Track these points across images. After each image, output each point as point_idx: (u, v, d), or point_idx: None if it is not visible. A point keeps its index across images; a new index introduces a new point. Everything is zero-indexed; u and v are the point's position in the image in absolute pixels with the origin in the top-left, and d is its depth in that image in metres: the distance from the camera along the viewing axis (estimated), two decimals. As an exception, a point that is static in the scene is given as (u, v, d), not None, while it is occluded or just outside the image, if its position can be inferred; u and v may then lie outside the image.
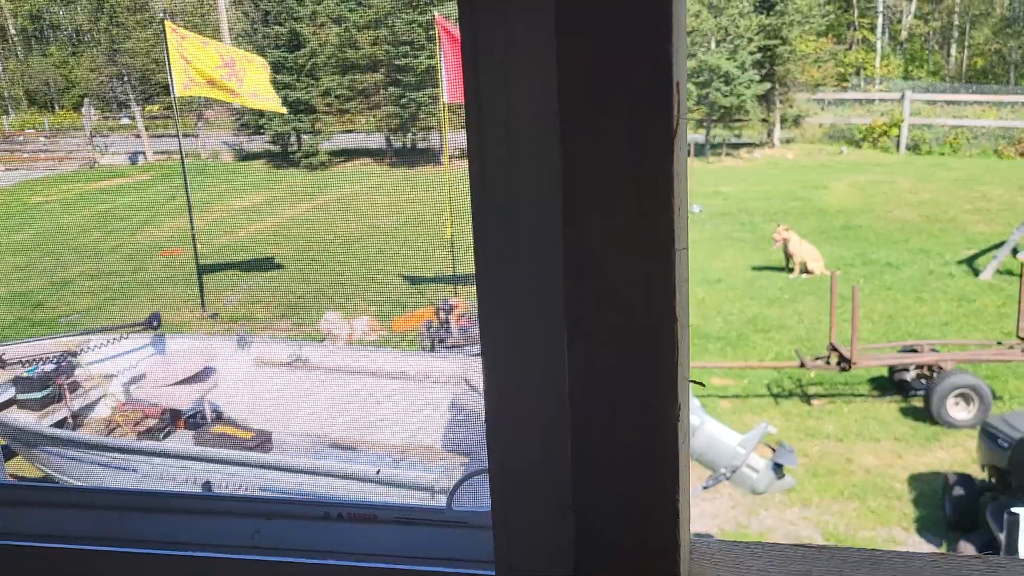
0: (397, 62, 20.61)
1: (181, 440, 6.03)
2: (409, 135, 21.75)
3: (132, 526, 0.94)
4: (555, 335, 0.68)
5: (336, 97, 21.50)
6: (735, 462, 5.70)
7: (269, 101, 10.67)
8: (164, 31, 10.13)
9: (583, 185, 0.63)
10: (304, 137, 21.38)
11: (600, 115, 0.62)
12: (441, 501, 0.92)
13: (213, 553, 0.90)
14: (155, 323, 6.76)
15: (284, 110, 11.47)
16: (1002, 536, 4.92)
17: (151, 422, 6.32)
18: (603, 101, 0.62)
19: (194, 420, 6.35)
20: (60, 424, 6.06)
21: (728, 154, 21.20)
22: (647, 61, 0.61)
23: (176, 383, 6.13)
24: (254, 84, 10.48)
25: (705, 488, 5.82)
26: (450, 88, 9.53)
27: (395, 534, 0.91)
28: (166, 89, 17.18)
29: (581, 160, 0.63)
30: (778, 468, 5.82)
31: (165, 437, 6.14)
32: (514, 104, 0.66)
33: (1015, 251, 11.51)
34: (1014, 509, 4.76)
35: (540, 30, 0.64)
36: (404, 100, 20.49)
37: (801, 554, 0.85)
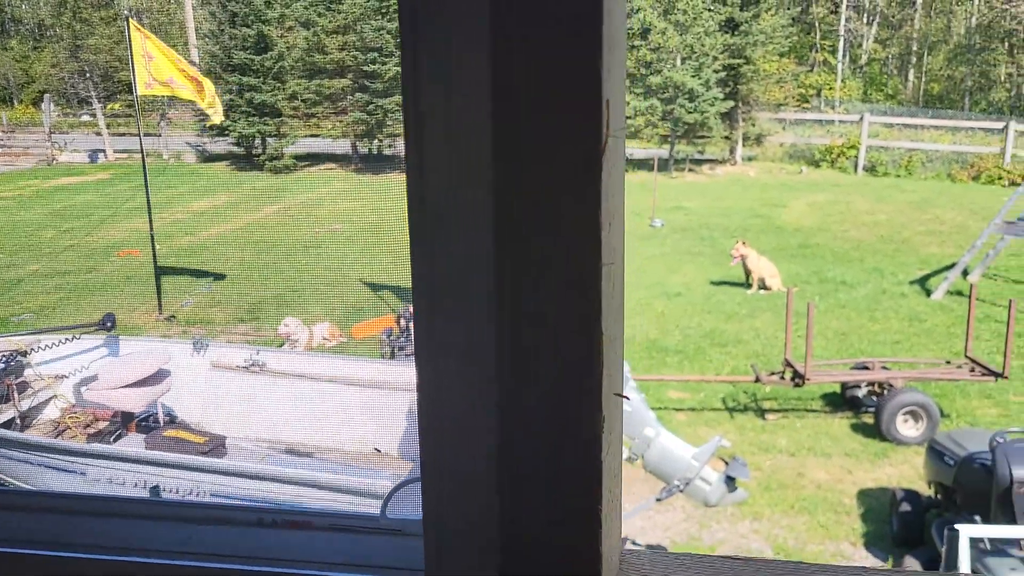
0: (365, 68, 20.56)
1: (132, 443, 5.94)
2: (376, 141, 21.69)
3: (63, 529, 0.94)
4: (484, 347, 0.70)
5: (303, 101, 21.39)
6: (688, 475, 5.76)
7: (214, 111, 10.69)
8: (128, 29, 10.02)
9: (511, 200, 0.65)
10: (269, 140, 21.22)
11: (530, 132, 0.64)
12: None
13: (142, 558, 0.90)
14: (108, 324, 6.65)
15: (219, 120, 11.48)
16: (944, 551, 5.02)
17: (102, 425, 6.22)
18: (532, 119, 0.64)
19: (146, 423, 6.25)
20: (7, 425, 5.94)
21: (691, 170, 21.45)
22: (574, 79, 0.62)
23: (129, 386, 6.03)
24: (211, 93, 10.50)
25: (658, 500, 5.87)
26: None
27: (330, 541, 0.91)
28: (129, 87, 16.95)
29: (510, 176, 0.65)
30: (731, 481, 5.88)
31: (116, 440, 6.04)
32: (452, 121, 0.67)
33: (965, 272, 11.78)
34: (955, 526, 4.86)
35: (478, 46, 0.65)
36: (371, 106, 20.44)
37: (728, 565, 0.87)
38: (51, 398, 6.34)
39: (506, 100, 0.64)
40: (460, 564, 0.77)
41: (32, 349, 6.36)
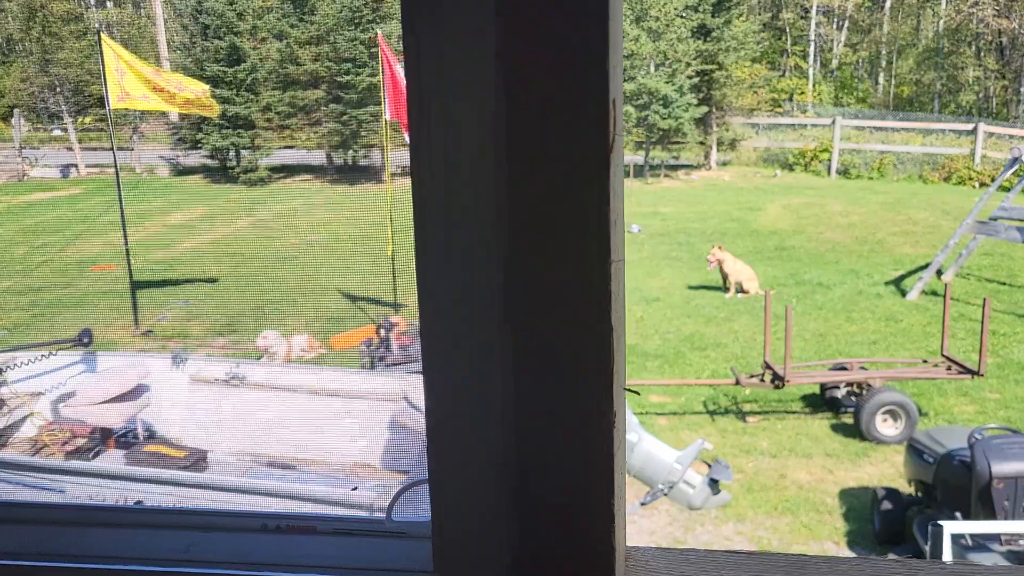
0: (339, 79, 20.51)
1: (112, 460, 5.86)
2: (350, 152, 21.62)
3: (64, 541, 0.92)
4: (494, 346, 0.70)
5: (277, 113, 21.28)
6: (672, 478, 5.77)
7: (206, 108, 10.56)
8: (99, 42, 9.94)
9: (522, 198, 0.65)
10: (243, 152, 21.09)
11: (539, 132, 0.64)
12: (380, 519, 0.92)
13: (146, 567, 0.89)
14: (85, 340, 6.58)
15: (218, 110, 11.32)
16: (927, 548, 5.07)
17: (80, 441, 6.13)
18: (542, 118, 0.64)
19: (125, 439, 6.18)
20: (-17, 444, 5.85)
21: (667, 175, 21.56)
22: (585, 79, 0.63)
23: (107, 401, 5.96)
24: (192, 91, 10.38)
25: (643, 504, 5.88)
26: (392, 106, 9.51)
27: (334, 545, 0.90)
28: (101, 101, 16.79)
29: (520, 175, 0.65)
30: (714, 484, 5.90)
31: (95, 457, 5.96)
32: (457, 122, 0.67)
33: (939, 272, 11.92)
34: (939, 522, 4.91)
35: (482, 48, 0.66)
36: (346, 117, 20.38)
37: (733, 560, 0.87)
38: (28, 416, 6.25)
39: (513, 101, 0.64)
40: (470, 564, 0.76)
41: (7, 366, 6.27)
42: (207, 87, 10.73)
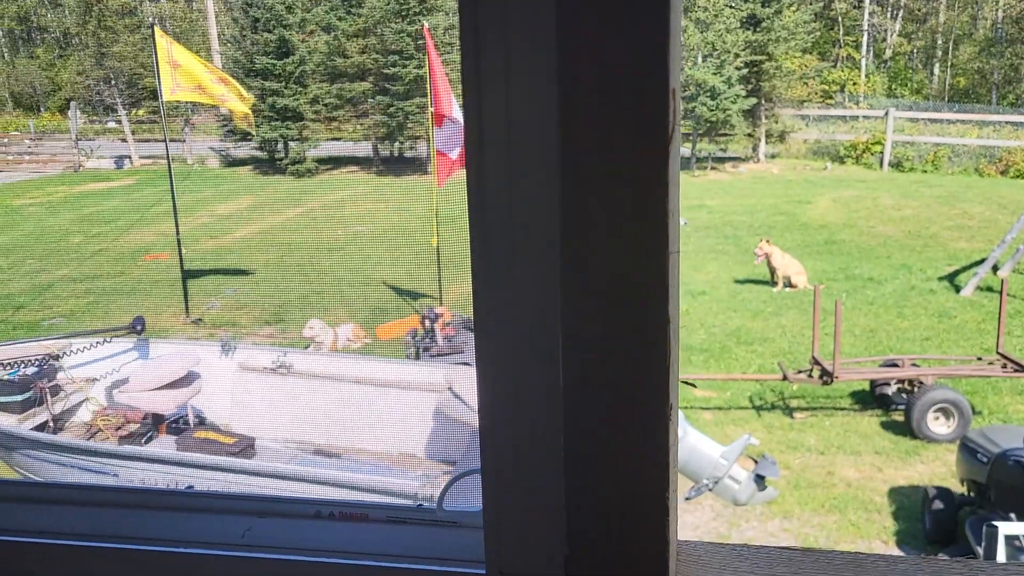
0: (386, 71, 20.64)
1: (163, 445, 5.99)
2: (396, 144, 21.76)
3: (121, 523, 0.95)
4: (550, 335, 0.69)
5: (324, 105, 21.50)
6: (717, 473, 5.72)
7: (244, 108, 10.83)
8: (153, 36, 10.12)
9: (580, 188, 0.64)
10: (291, 144, 21.36)
11: (598, 121, 0.63)
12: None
13: (203, 550, 0.90)
14: (139, 327, 6.72)
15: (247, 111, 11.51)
16: (980, 549, 4.96)
17: (133, 427, 6.28)
18: (602, 107, 0.63)
19: (176, 425, 6.31)
20: (40, 427, 6.01)
21: (714, 168, 21.33)
22: (645, 67, 0.62)
23: (159, 388, 6.09)
24: (236, 91, 10.61)
25: (687, 499, 5.84)
26: (437, 98, 9.53)
27: (386, 533, 0.91)
28: (153, 94, 17.13)
29: (579, 164, 0.64)
30: (760, 480, 5.84)
31: (147, 442, 6.10)
32: (514, 110, 0.67)
33: (995, 268, 11.63)
34: (993, 522, 4.80)
35: (541, 36, 0.65)
36: (392, 109, 20.51)
37: (787, 556, 0.86)
38: (83, 401, 6.42)
39: (572, 89, 0.63)
40: (523, 555, 0.76)
41: (64, 352, 6.44)
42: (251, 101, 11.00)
